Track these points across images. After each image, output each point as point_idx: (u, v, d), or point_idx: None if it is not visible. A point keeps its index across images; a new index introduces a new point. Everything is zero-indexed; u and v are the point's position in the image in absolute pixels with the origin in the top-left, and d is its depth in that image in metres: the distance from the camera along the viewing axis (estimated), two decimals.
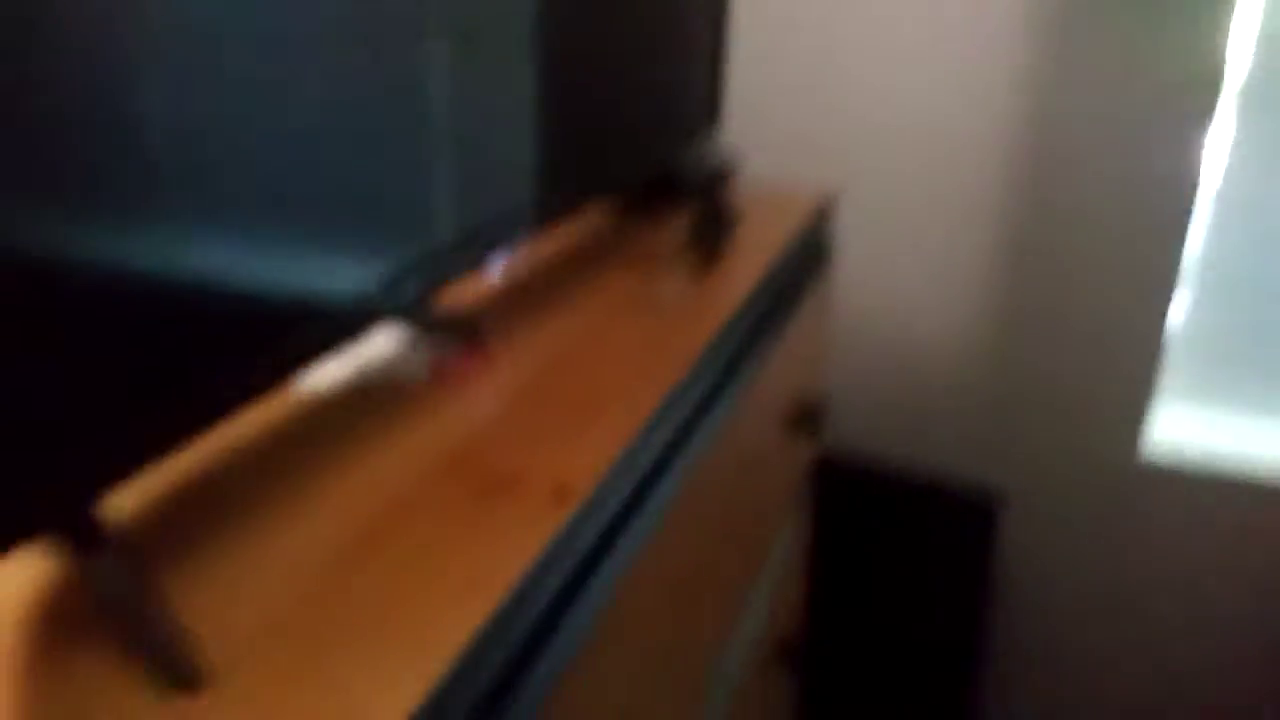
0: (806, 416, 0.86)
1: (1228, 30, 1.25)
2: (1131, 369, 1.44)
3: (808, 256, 0.89)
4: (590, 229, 0.88)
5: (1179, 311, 1.42)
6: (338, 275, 0.46)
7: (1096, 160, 1.36)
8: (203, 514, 0.45)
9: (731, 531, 0.69)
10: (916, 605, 1.52)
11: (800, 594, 1.07)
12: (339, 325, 0.46)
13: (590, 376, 0.59)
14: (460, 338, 0.63)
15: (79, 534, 0.34)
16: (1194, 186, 1.32)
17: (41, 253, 0.31)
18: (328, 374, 0.58)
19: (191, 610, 0.39)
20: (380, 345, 0.62)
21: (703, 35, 0.86)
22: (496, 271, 0.75)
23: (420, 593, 0.39)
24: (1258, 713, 1.55)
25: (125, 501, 0.45)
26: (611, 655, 0.47)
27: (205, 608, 0.39)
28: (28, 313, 0.30)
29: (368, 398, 0.56)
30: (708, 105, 0.90)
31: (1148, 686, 1.62)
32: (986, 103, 1.39)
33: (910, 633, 1.54)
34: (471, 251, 0.57)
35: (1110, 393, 1.46)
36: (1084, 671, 1.65)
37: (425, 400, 0.56)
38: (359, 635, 0.37)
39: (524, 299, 0.71)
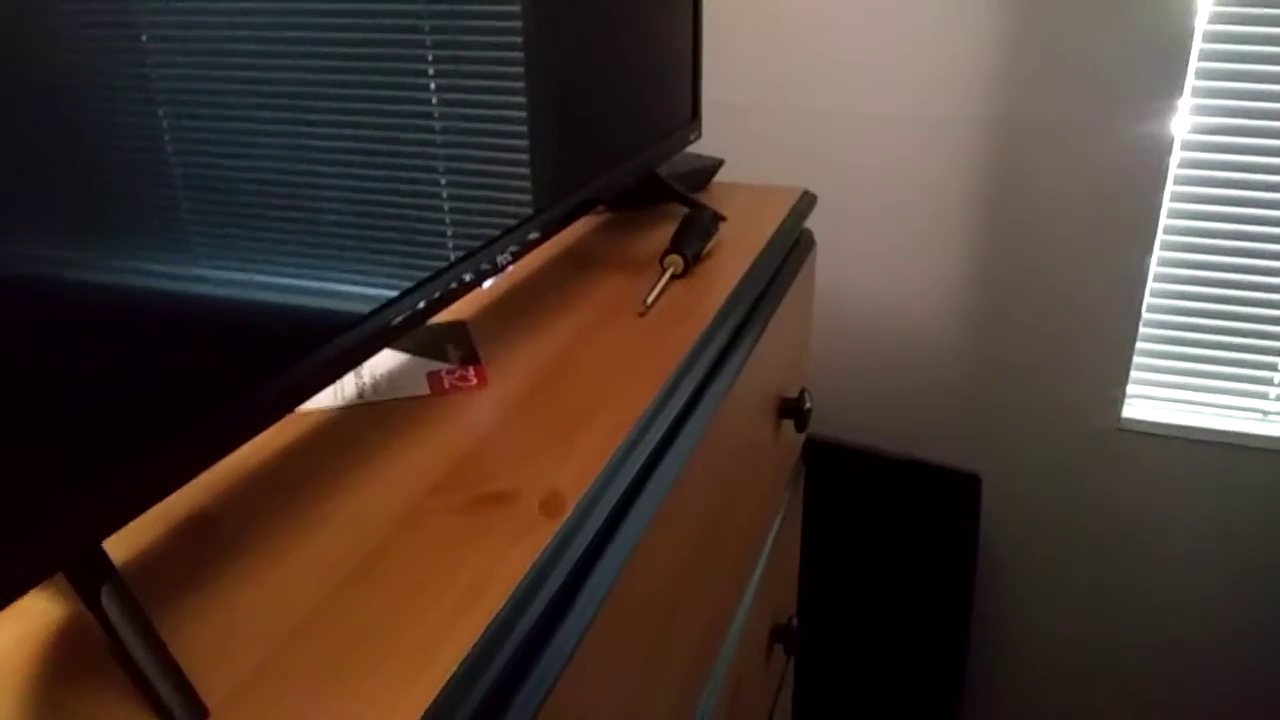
0: (795, 407, 0.88)
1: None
2: (1108, 343, 1.46)
3: (790, 252, 0.91)
4: (575, 234, 0.89)
5: (1153, 280, 1.44)
6: (343, 300, 0.47)
7: (1067, 139, 1.37)
8: (202, 540, 0.46)
9: (725, 525, 0.71)
10: (905, 580, 1.55)
11: (793, 576, 1.09)
12: (344, 350, 0.48)
13: (579, 383, 0.61)
14: (456, 351, 0.65)
15: (84, 572, 0.35)
16: (1164, 158, 1.33)
17: (46, 286, 0.32)
18: (326, 393, 0.60)
19: (194, 642, 0.40)
20: (379, 362, 0.64)
21: (680, 35, 0.87)
22: (487, 281, 0.77)
23: (419, 613, 0.41)
24: (1224, 646, 1.60)
25: (124, 535, 0.46)
26: (608, 655, 0.49)
27: (207, 639, 0.40)
28: (34, 353, 0.31)
29: (367, 416, 0.58)
30: (687, 105, 0.92)
31: (1131, 639, 1.65)
32: (955, 85, 1.40)
33: (900, 609, 1.57)
34: (473, 269, 0.59)
35: (1087, 366, 1.48)
36: (1069, 634, 1.68)
37: (423, 416, 0.58)
38: (359, 659, 0.39)
39: (513, 307, 0.73)
